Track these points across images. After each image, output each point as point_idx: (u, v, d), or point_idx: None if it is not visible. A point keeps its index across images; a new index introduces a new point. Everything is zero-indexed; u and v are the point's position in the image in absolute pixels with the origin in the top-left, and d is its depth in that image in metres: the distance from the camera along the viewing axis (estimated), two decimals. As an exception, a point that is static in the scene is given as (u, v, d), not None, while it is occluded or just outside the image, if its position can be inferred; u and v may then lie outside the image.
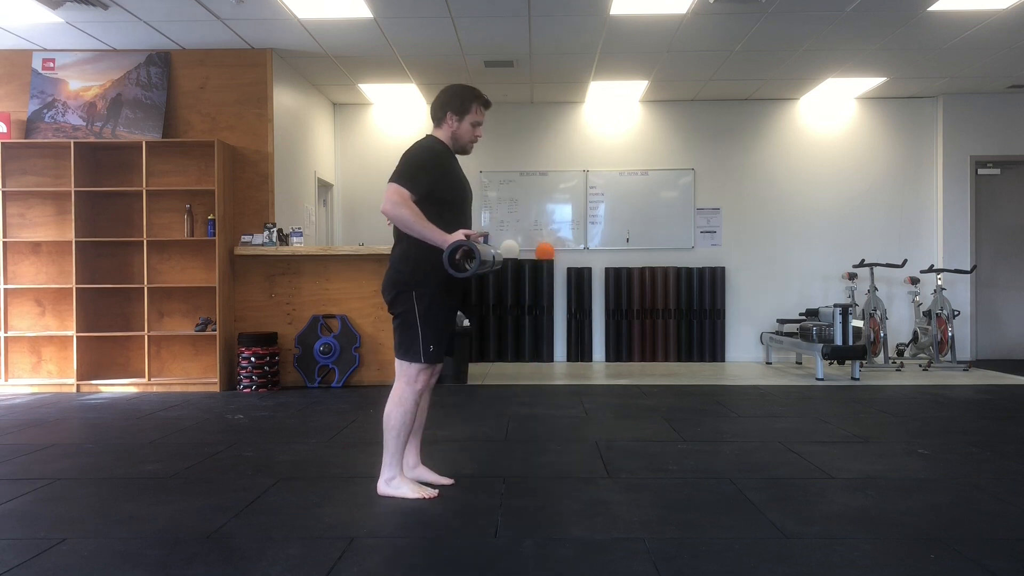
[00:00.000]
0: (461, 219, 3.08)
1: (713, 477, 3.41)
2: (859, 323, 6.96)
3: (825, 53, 6.58)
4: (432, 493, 3.09)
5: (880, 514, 2.87)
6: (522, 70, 7.05)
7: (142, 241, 6.09)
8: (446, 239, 2.84)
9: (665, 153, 8.26)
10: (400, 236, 3.06)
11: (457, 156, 3.21)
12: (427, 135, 3.17)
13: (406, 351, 3.03)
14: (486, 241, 3.14)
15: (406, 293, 3.02)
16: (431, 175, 2.98)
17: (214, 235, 6.04)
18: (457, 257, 2.81)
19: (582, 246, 8.27)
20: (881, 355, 7.25)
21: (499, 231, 8.25)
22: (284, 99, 6.73)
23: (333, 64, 6.86)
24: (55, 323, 6.24)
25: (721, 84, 7.55)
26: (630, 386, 6.28)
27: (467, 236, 2.85)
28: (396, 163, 3.04)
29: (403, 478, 3.12)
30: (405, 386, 3.05)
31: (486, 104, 3.20)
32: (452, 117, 3.12)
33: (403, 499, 3.05)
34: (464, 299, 7.92)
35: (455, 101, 3.12)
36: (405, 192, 2.91)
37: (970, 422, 4.72)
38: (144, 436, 4.35)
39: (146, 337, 6.08)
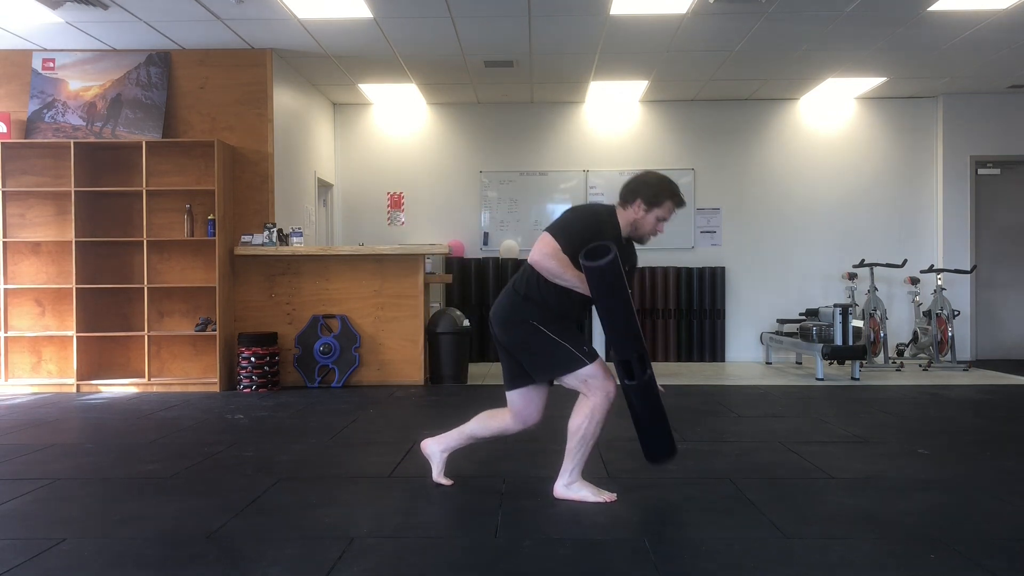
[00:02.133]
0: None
1: (713, 477, 3.40)
2: (859, 323, 6.96)
3: (825, 53, 6.58)
4: (612, 497, 3.02)
5: (880, 514, 2.87)
6: (522, 70, 7.05)
7: (142, 241, 6.09)
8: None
9: (665, 153, 8.26)
10: (521, 272, 3.03)
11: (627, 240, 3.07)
12: (609, 205, 3.08)
13: (566, 367, 2.94)
14: None
15: (521, 323, 2.95)
16: (586, 236, 2.88)
17: (214, 235, 6.04)
18: (599, 254, 2.74)
19: (582, 246, 8.25)
20: (881, 355, 7.25)
21: (499, 231, 8.25)
22: (284, 99, 6.73)
23: (333, 64, 6.86)
24: (55, 323, 6.24)
25: (721, 84, 7.55)
26: (630, 386, 6.27)
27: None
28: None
29: (583, 482, 3.05)
30: (595, 395, 2.95)
31: (680, 203, 3.02)
32: (640, 205, 2.97)
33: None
34: (465, 296, 7.95)
35: (650, 192, 2.98)
36: (555, 244, 2.86)
37: (970, 422, 4.72)
38: (144, 436, 4.35)
39: (146, 337, 6.08)
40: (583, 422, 2.97)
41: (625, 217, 3.02)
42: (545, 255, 2.86)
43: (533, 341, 2.95)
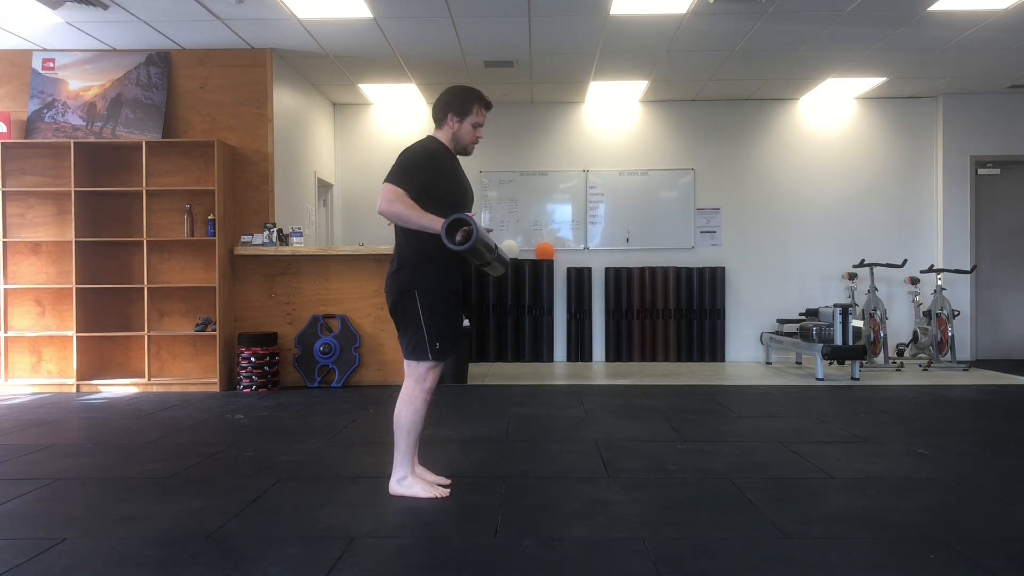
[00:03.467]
0: None
1: (713, 477, 3.41)
2: (859, 323, 6.96)
3: (825, 53, 6.58)
4: (444, 492, 3.10)
5: (880, 514, 2.87)
6: (522, 70, 7.05)
7: (142, 241, 6.09)
8: (439, 221, 2.83)
9: (665, 153, 8.26)
10: (399, 237, 3.06)
11: (459, 158, 3.21)
12: (427, 136, 3.18)
13: (413, 350, 3.03)
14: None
15: (408, 293, 3.02)
16: (426, 173, 2.98)
17: (214, 235, 6.04)
18: (457, 238, 2.79)
19: (582, 246, 8.27)
20: (881, 355, 7.25)
21: (499, 231, 8.25)
22: (284, 99, 6.73)
23: (333, 64, 6.86)
24: (55, 323, 6.24)
25: (721, 84, 7.56)
26: (630, 386, 6.28)
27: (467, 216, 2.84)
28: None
29: (415, 477, 3.12)
30: (414, 385, 3.06)
31: (487, 105, 3.20)
32: (453, 118, 3.12)
33: (415, 498, 3.05)
34: (465, 298, 7.94)
35: (456, 102, 3.13)
36: (398, 190, 2.91)
37: (970, 422, 4.72)
38: (144, 436, 4.35)
39: (146, 337, 6.08)
40: (405, 413, 3.05)
41: (445, 136, 3.14)
42: (390, 201, 2.89)
43: (408, 317, 3.02)
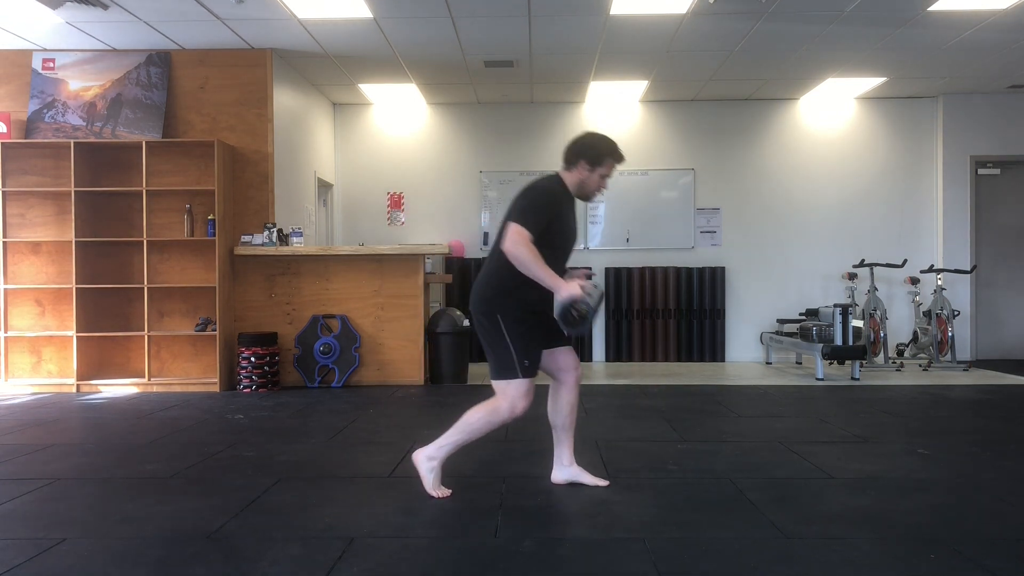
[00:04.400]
0: (561, 260, 3.10)
1: (713, 477, 3.41)
2: (859, 323, 6.96)
3: (825, 53, 6.58)
4: (446, 493, 3.10)
5: (880, 514, 2.87)
6: (522, 70, 7.05)
7: (142, 241, 6.09)
8: (561, 288, 2.85)
9: (665, 153, 8.26)
10: (494, 261, 3.07)
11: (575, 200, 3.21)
12: (554, 174, 3.17)
13: (501, 370, 3.03)
14: (589, 279, 3.14)
15: (491, 316, 3.03)
16: (549, 217, 3.00)
17: (214, 235, 6.04)
18: (574, 313, 2.86)
19: (582, 246, 8.27)
20: (881, 355, 7.25)
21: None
22: (284, 99, 6.73)
23: (333, 64, 6.86)
24: (55, 323, 6.24)
25: (721, 84, 7.55)
26: (630, 386, 6.28)
27: (581, 287, 2.86)
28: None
29: (439, 467, 3.12)
30: (505, 404, 3.03)
31: (620, 160, 3.21)
32: (584, 165, 3.12)
33: (418, 488, 3.10)
34: (464, 298, 7.94)
35: (591, 152, 3.13)
36: (527, 233, 2.90)
37: (970, 422, 4.72)
38: (144, 436, 4.35)
39: (146, 337, 6.08)
40: (481, 416, 3.06)
41: (571, 179, 3.15)
42: (517, 243, 2.90)
43: (493, 338, 3.04)
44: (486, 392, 6.00)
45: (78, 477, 3.47)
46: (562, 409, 3.22)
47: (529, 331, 3.06)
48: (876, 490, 3.19)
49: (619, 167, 3.25)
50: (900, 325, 8.14)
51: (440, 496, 3.08)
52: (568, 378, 3.19)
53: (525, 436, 4.29)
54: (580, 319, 2.87)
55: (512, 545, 2.56)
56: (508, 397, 3.02)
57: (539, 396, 3.19)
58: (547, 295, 2.99)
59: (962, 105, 8.02)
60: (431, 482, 3.10)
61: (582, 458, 3.51)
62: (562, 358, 3.19)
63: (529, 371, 3.02)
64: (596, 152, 3.12)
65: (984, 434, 4.33)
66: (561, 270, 3.06)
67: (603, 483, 3.25)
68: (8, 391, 6.07)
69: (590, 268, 3.26)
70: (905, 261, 7.73)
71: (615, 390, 6.08)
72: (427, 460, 3.12)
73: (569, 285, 2.86)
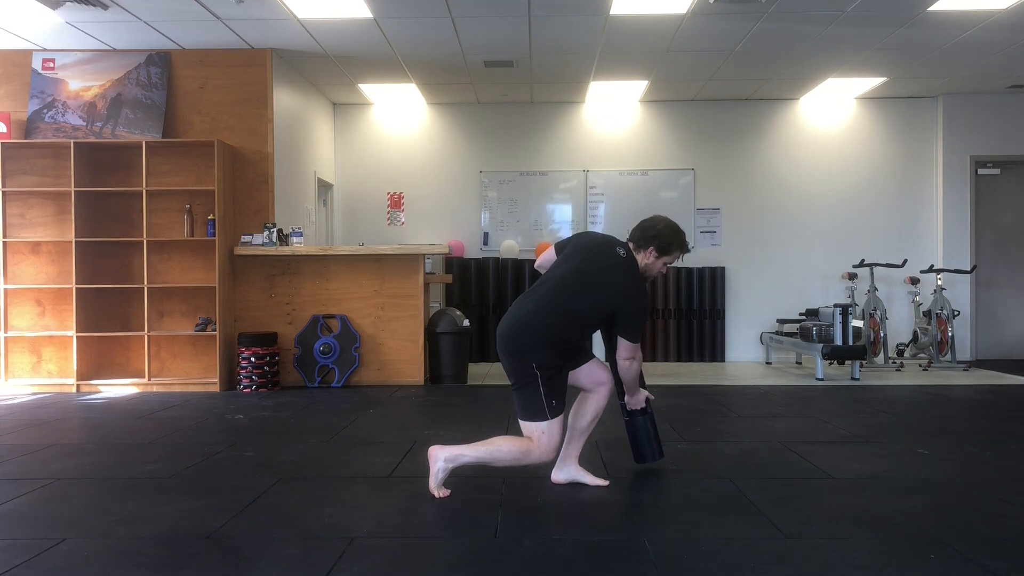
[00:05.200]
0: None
1: (713, 477, 3.41)
2: (859, 323, 6.96)
3: (825, 53, 6.58)
4: (445, 493, 3.09)
5: (880, 514, 2.87)
6: (522, 70, 7.05)
7: (142, 241, 6.09)
8: (639, 397, 3.35)
9: (665, 153, 8.26)
10: (543, 298, 3.07)
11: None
12: (630, 253, 3.22)
13: (530, 412, 3.03)
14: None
15: (528, 362, 3.02)
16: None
17: (214, 235, 6.04)
18: (646, 409, 3.42)
19: (582, 246, 8.25)
20: (881, 355, 7.25)
21: (499, 231, 8.26)
22: (284, 99, 6.73)
23: (333, 64, 6.86)
24: (55, 323, 6.24)
25: (721, 84, 7.55)
26: (630, 386, 6.27)
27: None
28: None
29: (447, 471, 3.09)
30: (536, 448, 3.02)
31: (686, 251, 3.35)
32: (653, 252, 3.22)
33: (422, 482, 3.15)
34: (464, 298, 7.95)
35: (662, 242, 3.22)
36: (638, 349, 3.17)
37: (970, 422, 4.72)
38: (144, 436, 4.35)
39: (146, 337, 6.08)
40: (512, 451, 3.03)
41: (641, 260, 3.26)
42: (631, 360, 3.17)
43: (524, 381, 3.04)
44: (486, 392, 6.03)
45: (78, 477, 3.47)
46: (586, 415, 3.25)
47: (560, 375, 3.08)
48: (876, 490, 3.19)
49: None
50: (900, 325, 8.14)
51: (440, 496, 3.08)
52: (602, 390, 3.25)
53: (525, 436, 4.29)
54: (641, 414, 3.42)
55: (512, 545, 2.56)
56: (542, 442, 3.02)
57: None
58: (578, 340, 3.17)
59: (962, 105, 8.02)
60: (437, 481, 3.08)
61: (582, 458, 3.50)
62: (595, 372, 3.25)
63: (556, 410, 3.03)
64: (666, 243, 3.23)
65: (984, 434, 4.33)
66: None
67: (603, 483, 3.25)
68: (8, 391, 6.07)
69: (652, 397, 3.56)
70: (905, 261, 7.73)
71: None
72: (444, 461, 3.07)
73: (642, 395, 3.37)
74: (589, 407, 3.25)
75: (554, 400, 3.03)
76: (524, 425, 3.07)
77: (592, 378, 3.23)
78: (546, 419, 3.01)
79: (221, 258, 6.07)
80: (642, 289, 3.17)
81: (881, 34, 6.09)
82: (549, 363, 3.03)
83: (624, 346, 3.10)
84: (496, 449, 3.04)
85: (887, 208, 8.19)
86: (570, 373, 3.17)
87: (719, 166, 8.23)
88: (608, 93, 7.90)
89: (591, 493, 3.16)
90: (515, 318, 3.08)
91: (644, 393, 3.35)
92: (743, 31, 5.99)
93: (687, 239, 3.33)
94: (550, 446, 3.03)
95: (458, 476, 3.34)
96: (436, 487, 3.09)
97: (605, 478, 3.30)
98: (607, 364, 3.30)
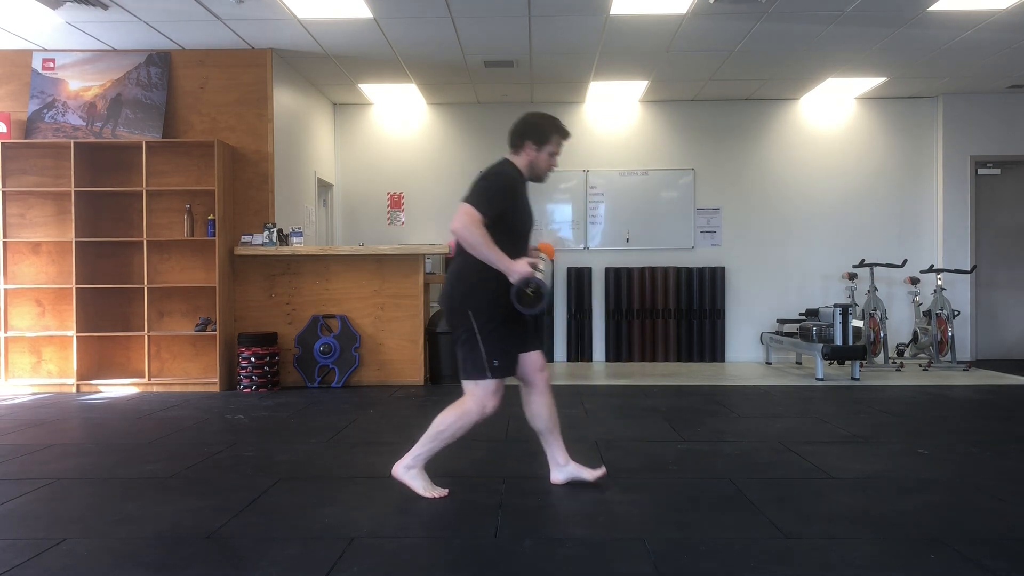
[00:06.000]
0: (521, 246, 3.09)
1: (713, 477, 3.41)
2: (859, 323, 6.96)
3: (825, 53, 6.58)
4: (443, 492, 3.09)
5: (880, 514, 2.87)
6: (522, 70, 7.05)
7: (142, 241, 6.09)
8: (512, 268, 2.87)
9: (665, 153, 8.26)
10: (458, 255, 3.05)
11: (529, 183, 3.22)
12: (503, 159, 3.17)
13: (471, 370, 3.01)
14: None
15: (463, 311, 3.01)
16: (505, 201, 3.00)
17: (214, 235, 6.04)
18: (528, 292, 2.85)
19: (582, 246, 8.27)
20: (881, 355, 7.25)
21: (499, 231, 8.24)
22: (284, 99, 6.73)
23: (333, 64, 6.86)
24: (55, 323, 6.24)
25: (721, 84, 7.55)
26: (630, 386, 6.28)
27: (533, 265, 2.87)
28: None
29: (421, 472, 3.10)
30: (473, 404, 3.01)
31: (566, 135, 3.21)
32: (531, 146, 3.13)
33: (413, 493, 3.06)
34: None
35: (535, 132, 3.13)
36: (477, 215, 2.90)
37: (970, 422, 4.72)
38: (144, 436, 4.35)
39: (146, 337, 6.08)
40: (452, 421, 3.02)
41: (521, 162, 3.15)
42: (467, 225, 2.89)
43: (464, 336, 3.01)
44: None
45: (78, 477, 3.47)
46: (540, 412, 3.20)
47: (502, 331, 3.02)
48: (876, 490, 3.19)
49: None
50: (900, 325, 8.14)
51: (438, 496, 3.07)
52: (538, 379, 3.17)
53: (525, 436, 4.29)
54: (535, 297, 2.84)
55: (512, 545, 2.56)
56: (477, 397, 3.01)
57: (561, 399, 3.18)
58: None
59: (962, 105, 8.02)
60: (421, 487, 3.08)
61: (582, 458, 3.51)
62: (531, 359, 3.16)
63: (498, 372, 3.00)
64: (541, 131, 3.13)
65: (984, 434, 4.33)
66: (522, 252, 3.05)
67: (601, 472, 3.24)
68: (8, 391, 6.07)
69: (537, 249, 3.26)
70: (905, 261, 7.73)
71: (615, 390, 6.07)
72: (406, 470, 3.09)
73: (520, 264, 2.86)
74: (536, 404, 3.19)
75: (495, 360, 2.99)
76: (464, 384, 3.06)
77: (528, 364, 3.16)
78: (485, 377, 2.98)
79: (221, 258, 6.07)
80: (498, 173, 3.05)
81: (881, 34, 6.09)
82: (485, 311, 2.98)
83: (460, 208, 2.91)
84: (437, 431, 3.04)
85: (887, 208, 8.19)
86: (519, 357, 3.12)
87: (719, 166, 8.23)
88: (608, 93, 7.90)
89: (591, 493, 3.16)
90: (445, 283, 3.10)
91: (520, 265, 2.88)
92: (743, 31, 5.99)
93: (563, 124, 3.19)
94: (485, 406, 3.00)
95: (458, 476, 3.34)
96: (426, 491, 3.08)
97: (601, 468, 3.28)
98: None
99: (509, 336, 3.05)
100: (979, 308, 8.13)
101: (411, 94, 7.90)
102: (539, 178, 3.20)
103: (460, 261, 3.05)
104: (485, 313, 2.99)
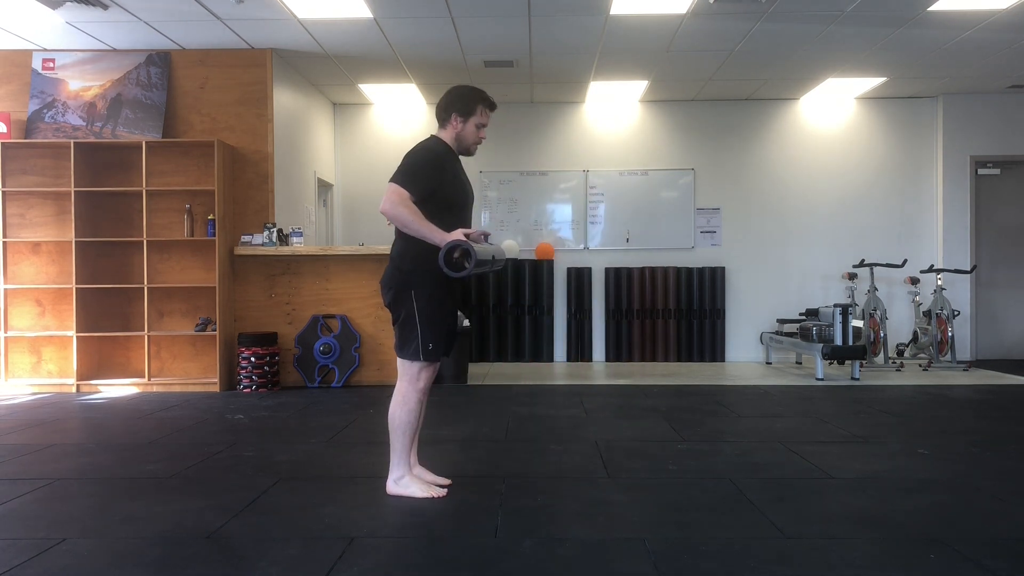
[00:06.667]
0: (461, 220, 3.08)
1: (713, 477, 3.40)
2: (859, 323, 6.96)
3: (825, 53, 6.58)
4: (441, 492, 3.10)
5: (880, 514, 2.87)
6: (522, 70, 7.05)
7: (142, 241, 6.09)
8: (444, 238, 2.83)
9: (665, 153, 8.26)
10: (399, 234, 3.06)
11: (461, 157, 3.20)
12: (431, 136, 3.17)
13: (406, 349, 3.04)
14: (487, 240, 3.14)
15: (405, 292, 3.02)
16: (431, 176, 2.98)
17: (214, 235, 6.04)
18: (455, 256, 2.80)
19: (582, 246, 8.27)
20: (881, 355, 7.25)
21: (499, 231, 8.25)
22: (284, 99, 6.73)
23: (333, 64, 6.86)
24: (55, 323, 6.24)
25: (721, 84, 7.55)
26: (630, 386, 6.28)
27: (466, 235, 2.85)
28: (397, 163, 3.04)
29: (412, 477, 3.13)
30: (407, 385, 3.06)
31: (492, 106, 3.18)
32: (457, 118, 3.11)
33: (411, 498, 3.06)
34: (464, 298, 7.95)
35: (460, 103, 3.12)
36: (404, 192, 2.90)
37: (970, 422, 4.72)
38: (144, 436, 4.35)
39: (146, 337, 6.08)
40: (399, 413, 3.06)
41: (448, 136, 3.14)
42: (394, 203, 2.89)
43: (404, 316, 3.03)
44: (486, 392, 6.02)
45: (78, 477, 3.47)
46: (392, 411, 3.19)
47: (440, 313, 3.03)
48: (876, 490, 3.19)
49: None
50: (900, 325, 8.14)
51: (438, 496, 3.07)
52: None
53: (525, 436, 4.30)
54: (462, 257, 2.79)
55: (512, 545, 2.56)
56: (410, 377, 3.05)
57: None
58: (461, 280, 2.99)
59: (962, 105, 8.02)
60: (419, 491, 3.08)
61: (583, 458, 3.53)
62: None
63: (431, 355, 3.02)
64: (465, 102, 3.11)
65: (984, 434, 4.33)
66: (464, 226, 3.03)
67: (445, 482, 3.24)
68: (8, 391, 6.07)
69: (488, 232, 3.23)
70: (905, 261, 7.73)
71: (615, 390, 6.08)
72: (396, 483, 3.10)
73: (453, 233, 2.84)
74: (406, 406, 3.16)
75: (431, 344, 3.00)
76: (400, 364, 3.08)
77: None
78: (418, 360, 3.01)
79: (221, 258, 6.07)
80: (421, 149, 3.05)
81: (881, 34, 6.09)
82: (426, 290, 2.98)
83: (387, 190, 2.91)
84: (394, 430, 3.07)
85: (887, 208, 8.19)
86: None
87: (719, 166, 8.23)
88: (608, 93, 7.90)
89: (591, 493, 3.16)
90: (388, 264, 3.11)
91: (456, 232, 2.85)
92: (743, 31, 5.99)
93: (488, 94, 3.16)
94: (418, 382, 3.04)
95: (458, 476, 3.34)
96: (425, 492, 3.07)
97: (608, 477, 3.29)
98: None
99: (445, 326, 3.07)
100: (979, 308, 8.13)
101: (411, 94, 7.90)
102: (467, 151, 3.18)
103: (400, 244, 3.05)
104: (426, 296, 3.00)
